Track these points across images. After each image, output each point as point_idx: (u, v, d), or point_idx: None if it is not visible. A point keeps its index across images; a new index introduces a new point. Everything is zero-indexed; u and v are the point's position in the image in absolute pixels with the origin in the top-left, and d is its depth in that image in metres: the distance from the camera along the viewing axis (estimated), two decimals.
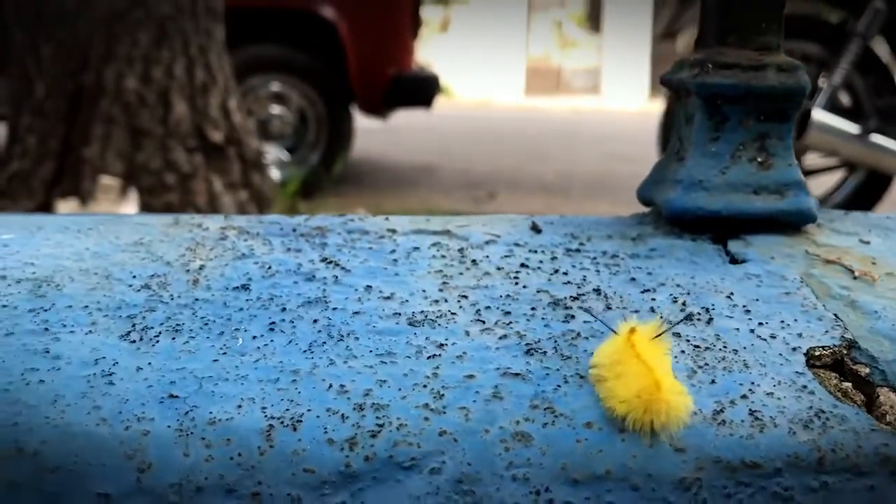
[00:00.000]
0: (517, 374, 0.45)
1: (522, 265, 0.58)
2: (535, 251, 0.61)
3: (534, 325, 0.50)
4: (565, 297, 0.53)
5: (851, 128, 3.02)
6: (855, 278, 0.61)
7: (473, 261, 0.58)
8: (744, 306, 0.55)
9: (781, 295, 0.57)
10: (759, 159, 0.68)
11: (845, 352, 0.51)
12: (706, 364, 0.48)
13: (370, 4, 4.17)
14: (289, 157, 4.22)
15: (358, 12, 4.12)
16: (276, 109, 4.23)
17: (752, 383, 0.47)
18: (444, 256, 0.58)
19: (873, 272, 0.61)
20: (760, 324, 0.53)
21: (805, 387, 0.47)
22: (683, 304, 0.55)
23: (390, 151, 6.27)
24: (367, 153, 5.97)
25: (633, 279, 0.58)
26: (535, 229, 0.66)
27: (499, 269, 0.57)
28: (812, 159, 3.35)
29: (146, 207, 2.95)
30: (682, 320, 0.54)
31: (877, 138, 3.01)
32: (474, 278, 0.55)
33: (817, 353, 0.51)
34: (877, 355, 0.51)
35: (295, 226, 0.60)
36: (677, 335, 0.51)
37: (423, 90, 4.39)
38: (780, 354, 0.50)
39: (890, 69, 3.13)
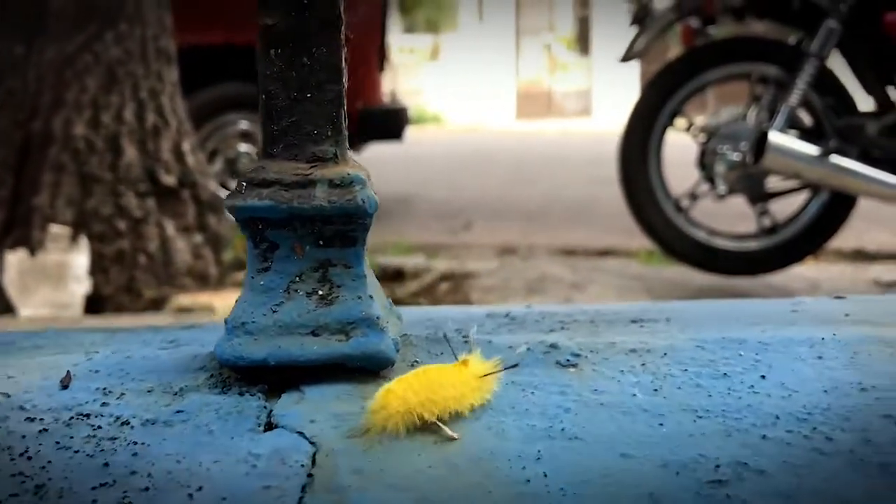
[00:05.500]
0: None
1: None
2: (25, 420, 0.52)
3: None
4: None
5: (811, 149, 2.93)
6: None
7: None
8: None
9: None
10: (321, 292, 0.57)
11: None
12: None
13: None
14: None
15: None
16: (244, 147, 4.21)
17: None
18: None
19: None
20: None
21: None
22: None
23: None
24: None
25: (107, 464, 0.48)
26: (64, 384, 0.56)
27: None
28: (776, 181, 3.27)
29: (97, 255, 2.92)
30: (511, 367, 0.54)
31: (837, 159, 2.93)
32: None
33: None
34: None
35: None
36: None
37: (391, 123, 4.34)
38: None
39: (847, 89, 3.05)
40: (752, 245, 3.25)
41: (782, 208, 3.31)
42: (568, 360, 0.60)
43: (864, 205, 3.22)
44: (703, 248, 3.24)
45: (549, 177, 6.87)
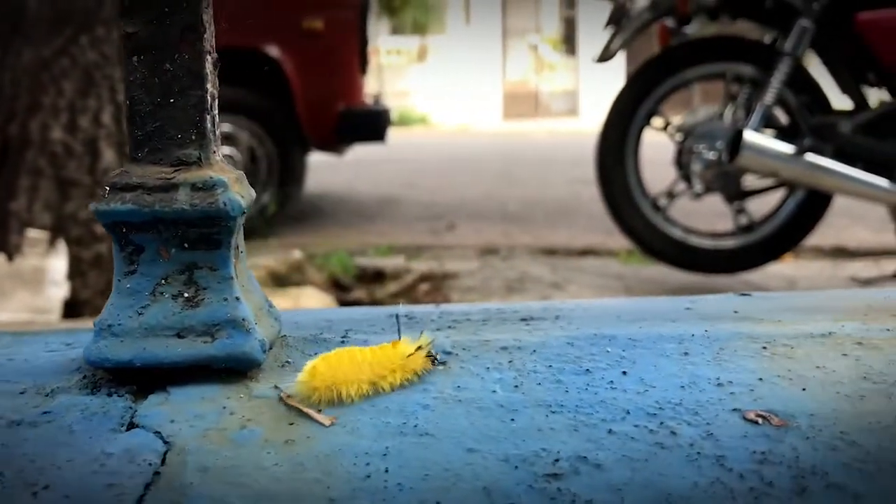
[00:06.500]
0: None
1: None
2: None
3: None
4: None
5: (786, 148, 2.94)
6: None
7: None
8: None
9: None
10: (187, 295, 0.58)
11: None
12: None
13: (315, 41, 4.16)
14: None
15: (303, 49, 4.10)
16: (225, 150, 4.21)
17: None
18: None
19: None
20: None
21: None
22: None
23: (356, 185, 6.24)
24: (333, 187, 5.94)
25: None
26: None
27: None
28: (752, 180, 3.28)
29: (75, 259, 2.93)
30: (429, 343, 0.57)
31: (812, 157, 2.93)
32: None
33: None
34: None
35: None
36: None
37: (373, 124, 4.36)
38: None
39: (821, 88, 3.05)
40: (730, 243, 3.26)
41: (759, 206, 3.32)
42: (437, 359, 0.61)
43: (843, 202, 3.23)
44: (680, 246, 3.25)
45: (534, 177, 6.88)
